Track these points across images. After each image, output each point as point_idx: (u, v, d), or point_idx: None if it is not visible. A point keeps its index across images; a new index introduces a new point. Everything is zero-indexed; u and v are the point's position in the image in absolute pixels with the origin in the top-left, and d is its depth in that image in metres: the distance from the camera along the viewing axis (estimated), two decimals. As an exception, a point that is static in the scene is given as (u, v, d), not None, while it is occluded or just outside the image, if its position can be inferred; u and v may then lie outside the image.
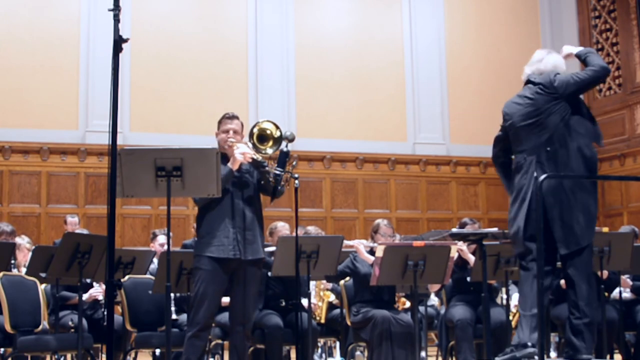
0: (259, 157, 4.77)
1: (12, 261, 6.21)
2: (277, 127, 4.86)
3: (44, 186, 10.96)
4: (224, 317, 6.26)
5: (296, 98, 12.08)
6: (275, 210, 10.40)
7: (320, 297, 6.98)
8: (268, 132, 4.84)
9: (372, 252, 6.12)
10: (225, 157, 4.82)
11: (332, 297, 6.98)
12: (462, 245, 6.37)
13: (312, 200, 11.98)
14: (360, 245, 6.29)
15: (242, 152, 4.75)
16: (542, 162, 4.49)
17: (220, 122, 4.99)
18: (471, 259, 6.35)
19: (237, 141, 4.83)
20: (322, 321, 6.89)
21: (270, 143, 4.83)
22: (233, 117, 4.98)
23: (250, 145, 4.81)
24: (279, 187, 4.86)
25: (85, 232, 7.15)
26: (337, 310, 6.79)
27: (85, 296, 6.20)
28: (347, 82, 12.37)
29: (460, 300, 6.43)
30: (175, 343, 5.73)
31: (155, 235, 7.31)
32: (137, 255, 6.36)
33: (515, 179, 4.62)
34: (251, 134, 4.82)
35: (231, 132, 4.90)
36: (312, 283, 6.78)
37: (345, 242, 6.16)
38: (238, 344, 4.83)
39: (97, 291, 6.30)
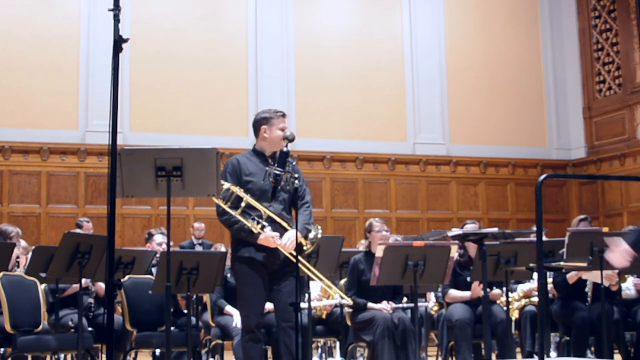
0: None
1: (17, 259, 6.22)
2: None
3: (44, 186, 10.96)
4: (223, 318, 6.27)
5: (296, 98, 12.08)
6: (275, 210, 10.38)
7: (325, 291, 6.94)
8: None
9: (369, 252, 6.13)
10: (260, 155, 4.84)
11: (337, 298, 6.94)
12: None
13: (312, 200, 11.96)
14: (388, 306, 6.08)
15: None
16: None
17: (270, 119, 4.87)
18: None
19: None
20: (323, 317, 6.88)
21: None
22: (285, 114, 4.97)
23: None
24: (279, 188, 4.87)
25: (78, 231, 7.14)
26: (337, 310, 6.78)
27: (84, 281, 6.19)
28: (347, 82, 12.37)
29: (460, 300, 6.42)
30: (175, 343, 5.74)
31: (151, 235, 7.11)
32: (137, 255, 6.35)
33: None
34: None
35: (286, 130, 4.86)
36: (311, 283, 6.76)
37: (370, 304, 5.98)
38: (287, 340, 4.78)
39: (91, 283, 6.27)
